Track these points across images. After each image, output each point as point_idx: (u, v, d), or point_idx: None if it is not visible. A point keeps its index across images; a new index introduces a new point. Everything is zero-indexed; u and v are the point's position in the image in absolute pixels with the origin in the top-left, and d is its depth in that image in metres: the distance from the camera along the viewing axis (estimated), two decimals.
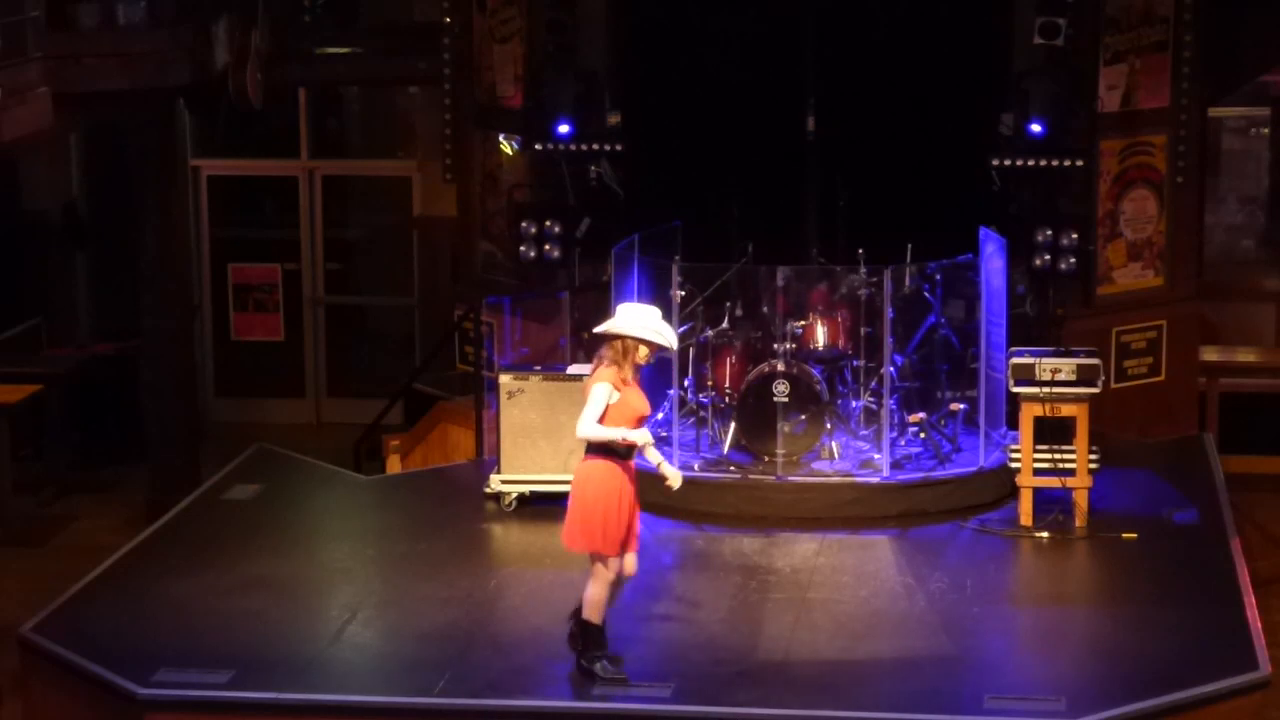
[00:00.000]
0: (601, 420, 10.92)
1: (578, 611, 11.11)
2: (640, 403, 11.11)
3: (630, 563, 11.16)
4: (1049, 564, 13.36)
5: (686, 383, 14.13)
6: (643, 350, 11.03)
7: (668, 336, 11.19)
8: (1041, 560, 13.39)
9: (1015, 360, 13.61)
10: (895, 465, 14.03)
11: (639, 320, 11.08)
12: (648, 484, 13.91)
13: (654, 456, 11.34)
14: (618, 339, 11.02)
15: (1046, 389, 13.49)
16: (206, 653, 11.40)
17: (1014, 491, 13.78)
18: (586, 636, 11.06)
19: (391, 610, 12.30)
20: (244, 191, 20.63)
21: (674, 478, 11.39)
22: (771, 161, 15.31)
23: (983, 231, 14.30)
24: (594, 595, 11.03)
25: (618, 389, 10.96)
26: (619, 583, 11.15)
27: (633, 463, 11.12)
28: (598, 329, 11.23)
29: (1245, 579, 12.40)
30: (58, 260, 19.85)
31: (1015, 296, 15.12)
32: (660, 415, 14.66)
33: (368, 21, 19.90)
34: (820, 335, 14.47)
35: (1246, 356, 18.06)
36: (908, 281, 14.63)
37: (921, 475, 14.05)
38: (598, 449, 11.00)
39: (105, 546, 14.08)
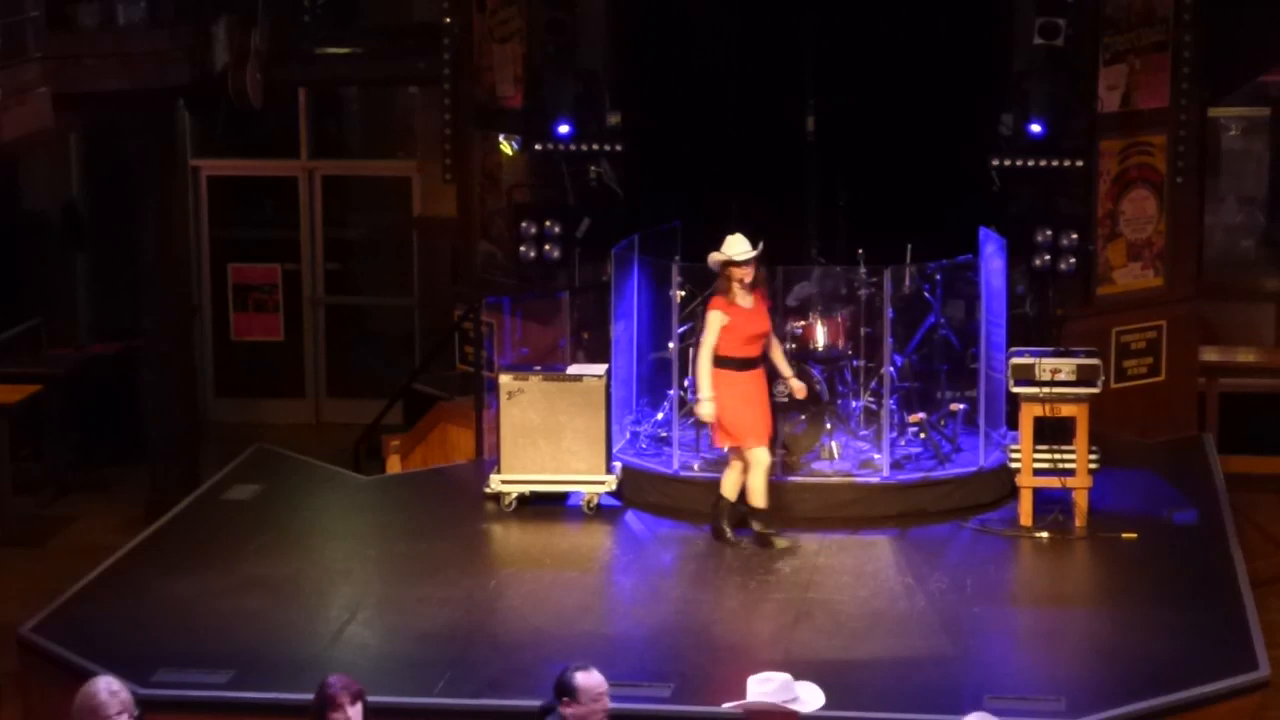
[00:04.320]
0: (719, 341, 12.98)
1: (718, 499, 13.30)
2: (748, 324, 13.06)
3: (753, 455, 13.08)
4: (1049, 564, 13.35)
5: (686, 383, 14.11)
6: (738, 271, 12.91)
7: (738, 248, 12.98)
8: (1041, 560, 13.38)
9: (1015, 360, 13.61)
10: (895, 465, 14.02)
11: (725, 249, 13.00)
12: (646, 484, 14.06)
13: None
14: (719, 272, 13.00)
15: (1046, 389, 13.48)
16: (206, 653, 11.39)
17: (1014, 491, 13.77)
18: (717, 509, 13.24)
19: (391, 610, 12.29)
20: (244, 191, 20.61)
21: (798, 390, 13.48)
22: (771, 161, 15.29)
23: (983, 231, 14.29)
24: (725, 477, 13.27)
25: (726, 313, 12.95)
26: (747, 470, 13.13)
27: (752, 371, 13.11)
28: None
29: (1245, 579, 12.40)
30: (57, 260, 19.84)
31: (1015, 296, 15.11)
32: (660, 415, 14.69)
33: (368, 21, 19.88)
34: (820, 335, 14.47)
35: (1246, 356, 18.05)
36: (908, 281, 14.61)
37: (921, 475, 14.05)
38: (720, 363, 13.04)
39: (105, 546, 14.05)
